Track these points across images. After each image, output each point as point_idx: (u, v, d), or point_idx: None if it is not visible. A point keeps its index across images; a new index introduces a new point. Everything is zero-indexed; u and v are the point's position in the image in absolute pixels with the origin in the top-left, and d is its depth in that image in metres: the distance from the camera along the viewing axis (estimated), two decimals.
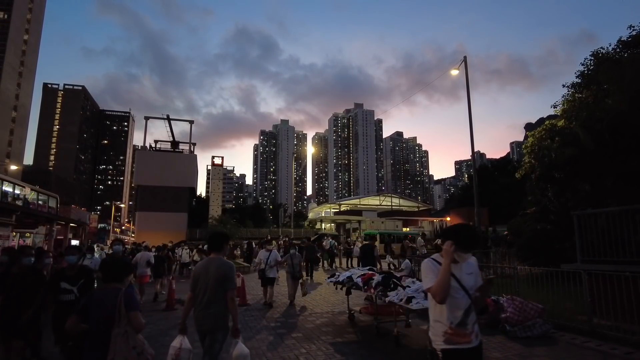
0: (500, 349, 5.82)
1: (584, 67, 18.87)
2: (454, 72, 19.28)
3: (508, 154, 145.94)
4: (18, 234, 16.57)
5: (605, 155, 12.38)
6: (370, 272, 7.30)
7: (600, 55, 17.81)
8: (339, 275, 8.17)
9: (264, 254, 10.41)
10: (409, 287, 5.58)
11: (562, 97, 18.78)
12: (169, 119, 52.63)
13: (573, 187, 13.83)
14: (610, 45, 16.70)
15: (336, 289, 8.09)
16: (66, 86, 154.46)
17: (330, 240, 23.14)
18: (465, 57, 18.65)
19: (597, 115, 12.71)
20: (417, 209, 64.09)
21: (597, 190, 12.96)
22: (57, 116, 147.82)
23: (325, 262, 21.46)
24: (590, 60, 18.44)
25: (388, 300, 5.81)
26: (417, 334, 6.32)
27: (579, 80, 19.18)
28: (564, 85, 19.71)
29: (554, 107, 18.40)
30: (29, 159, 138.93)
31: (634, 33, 15.32)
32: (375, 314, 6.86)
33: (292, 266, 10.36)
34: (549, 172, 14.37)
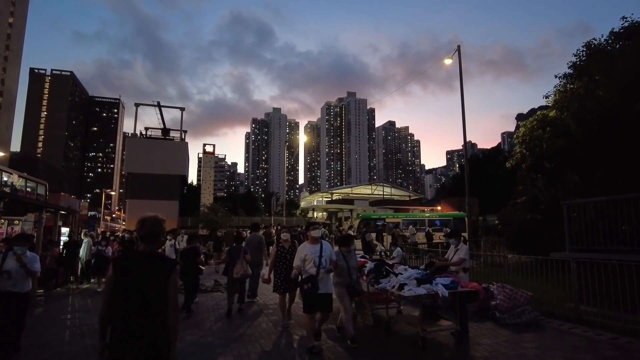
0: (490, 335, 5.93)
1: (577, 58, 18.93)
2: (448, 61, 19.24)
3: (499, 144, 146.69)
4: (6, 222, 16.32)
5: (594, 147, 12.50)
6: (362, 259, 7.35)
7: (593, 46, 17.86)
8: None
9: (310, 248, 5.55)
10: (401, 274, 5.64)
11: (554, 87, 18.87)
12: (159, 106, 51.97)
13: (562, 178, 13.97)
14: (602, 37, 16.71)
15: None
16: (54, 71, 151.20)
17: (322, 229, 23.26)
18: (458, 46, 18.60)
19: (588, 106, 12.79)
20: (408, 198, 64.46)
21: (586, 181, 13.11)
22: (44, 102, 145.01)
23: None
24: (583, 51, 18.50)
25: (380, 287, 5.87)
26: (409, 321, 6.39)
27: (571, 71, 19.29)
28: (556, 76, 19.77)
29: (546, 98, 18.46)
30: (16, 146, 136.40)
31: (626, 24, 15.34)
32: (367, 301, 6.93)
33: (348, 271, 5.64)
34: (540, 162, 14.49)
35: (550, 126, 15.07)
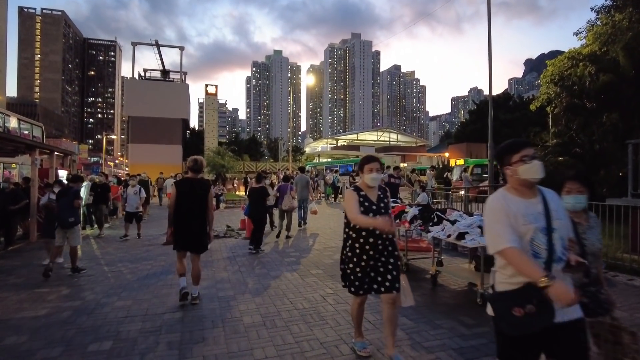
0: None
1: None
2: None
3: (506, 90, 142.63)
4: (2, 165, 15.59)
5: None
6: (399, 204, 6.45)
7: None
8: None
9: (523, 205, 1.80)
10: (458, 221, 4.72)
11: (587, 22, 17.37)
12: (157, 45, 49.46)
13: (600, 119, 12.83)
14: None
15: None
16: (44, 10, 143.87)
17: (334, 174, 22.50)
18: None
19: None
20: (414, 145, 63.28)
21: (627, 121, 11.99)
22: (37, 44, 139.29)
23: (329, 196, 21.09)
24: None
25: (431, 235, 5.00)
26: (457, 273, 5.55)
27: (610, 3, 17.64)
28: (592, 9, 18.12)
29: (577, 35, 17.09)
30: (12, 90, 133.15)
31: None
32: (404, 251, 6.13)
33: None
34: (579, 101, 13.24)
35: (590, 62, 13.67)
